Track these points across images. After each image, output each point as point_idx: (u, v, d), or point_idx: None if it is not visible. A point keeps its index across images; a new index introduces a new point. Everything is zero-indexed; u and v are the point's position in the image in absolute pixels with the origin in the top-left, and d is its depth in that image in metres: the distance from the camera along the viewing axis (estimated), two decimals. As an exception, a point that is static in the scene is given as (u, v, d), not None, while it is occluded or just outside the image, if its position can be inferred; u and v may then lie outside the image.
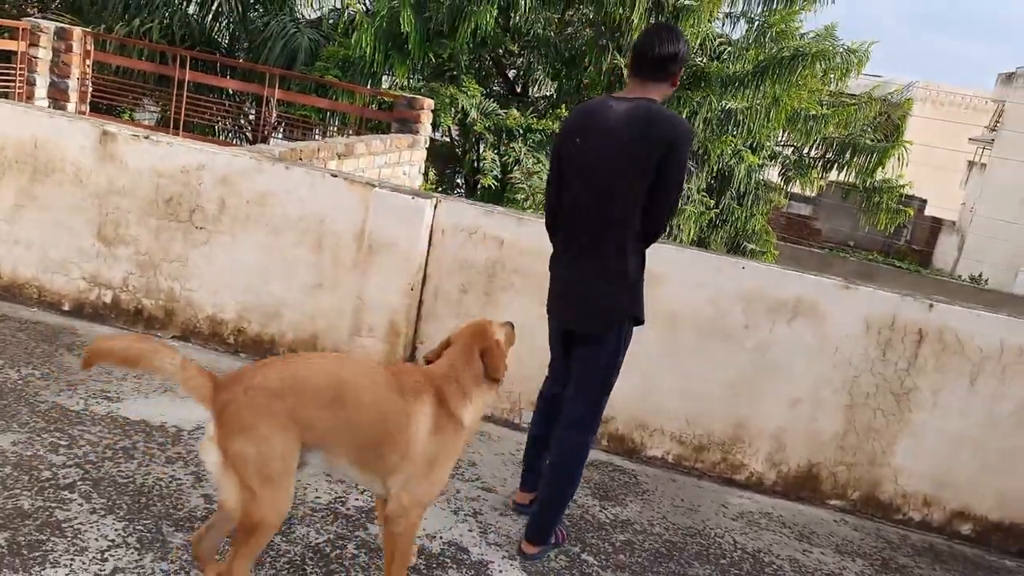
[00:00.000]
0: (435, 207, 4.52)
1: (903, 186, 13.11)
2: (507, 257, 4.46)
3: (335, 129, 10.50)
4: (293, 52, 11.18)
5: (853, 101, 13.15)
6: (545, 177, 11.70)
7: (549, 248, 4.40)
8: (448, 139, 12.62)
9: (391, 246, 4.47)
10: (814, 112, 11.96)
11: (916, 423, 4.07)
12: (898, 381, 4.07)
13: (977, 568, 3.95)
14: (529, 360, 4.53)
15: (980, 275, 25.84)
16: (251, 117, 9.72)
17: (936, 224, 32.01)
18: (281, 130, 11.09)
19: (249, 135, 9.68)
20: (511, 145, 11.48)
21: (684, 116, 11.65)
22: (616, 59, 11.09)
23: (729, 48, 11.83)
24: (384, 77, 11.36)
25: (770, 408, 4.25)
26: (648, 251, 4.07)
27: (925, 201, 32.11)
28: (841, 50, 10.99)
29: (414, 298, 4.55)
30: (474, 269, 4.52)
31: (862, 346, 4.10)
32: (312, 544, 3.24)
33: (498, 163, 11.51)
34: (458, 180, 13.82)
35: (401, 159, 7.62)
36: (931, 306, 4.02)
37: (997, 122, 30.12)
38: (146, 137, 4.62)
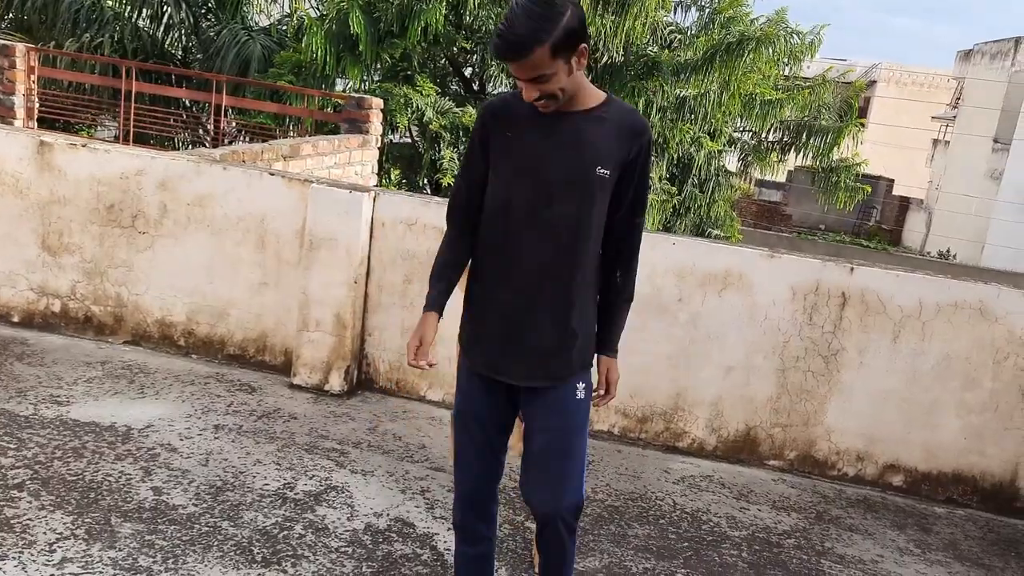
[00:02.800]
0: (374, 200, 4.63)
1: (859, 164, 13.33)
2: (446, 245, 4.57)
3: (294, 135, 10.58)
4: (246, 60, 11.25)
5: (807, 84, 13.35)
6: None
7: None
8: (408, 139, 12.71)
9: (332, 241, 4.57)
10: (769, 97, 12.14)
11: (845, 383, 4.22)
12: (825, 343, 4.22)
13: (908, 516, 4.10)
14: (473, 344, 4.65)
15: (948, 251, 26.24)
16: (209, 127, 9.77)
17: (904, 203, 32.45)
18: (241, 139, 11.16)
19: (208, 145, 9.73)
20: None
21: (639, 106, 11.81)
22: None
23: (679, 36, 12.00)
24: (338, 80, 11.44)
25: (707, 377, 4.39)
26: None
27: (892, 181, 32.53)
28: (785, 34, 11.17)
29: (359, 291, 4.66)
30: (416, 259, 4.63)
31: (790, 312, 4.24)
32: (260, 527, 3.35)
33: (457, 161, 11.61)
34: (421, 180, 13.92)
35: (352, 159, 7.72)
36: (852, 270, 4.18)
37: (958, 99, 30.58)
38: (83, 145, 4.70)
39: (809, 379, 4.27)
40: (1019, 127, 24.08)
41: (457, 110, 11.57)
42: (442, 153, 11.45)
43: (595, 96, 2.35)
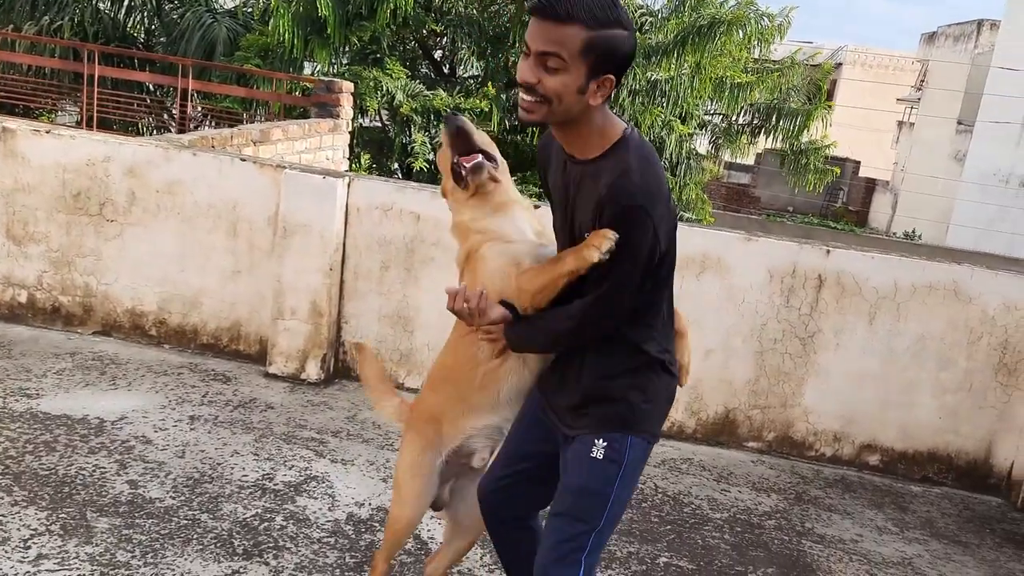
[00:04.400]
0: (348, 186, 4.56)
1: (828, 146, 13.43)
2: (425, 231, 4.53)
3: (262, 119, 10.42)
4: (211, 43, 11.04)
5: (777, 67, 13.40)
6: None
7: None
8: (379, 124, 12.59)
9: (306, 227, 4.50)
10: (739, 80, 12.17)
11: (822, 364, 4.25)
12: (802, 325, 4.24)
13: (885, 495, 4.15)
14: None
15: (913, 231, 26.58)
16: (174, 112, 9.59)
17: (871, 184, 32.80)
18: (208, 124, 10.98)
19: (174, 130, 9.56)
20: (440, 127, 11.49)
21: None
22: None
23: (650, 19, 11.98)
24: (306, 63, 11.28)
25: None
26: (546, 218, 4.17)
27: (859, 162, 32.87)
28: (756, 16, 11.19)
29: (334, 278, 4.59)
30: (393, 246, 4.58)
31: (767, 295, 4.26)
32: (240, 519, 3.30)
33: (429, 145, 11.52)
34: (392, 164, 13.80)
35: (323, 143, 7.62)
36: (828, 252, 4.20)
37: (922, 81, 30.91)
38: (47, 131, 4.58)
39: (787, 361, 4.29)
40: (982, 109, 24.38)
41: (428, 93, 11.46)
42: (413, 137, 11.34)
43: (603, 142, 2.01)
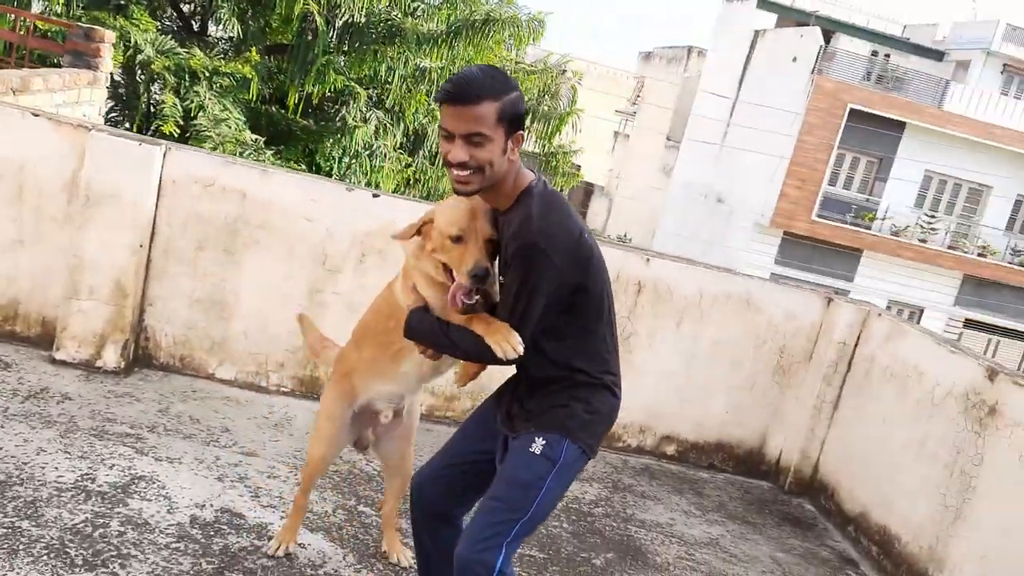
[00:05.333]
0: (164, 155, 4.16)
1: (576, 151, 14.31)
2: (251, 212, 4.26)
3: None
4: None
5: (532, 69, 14.02)
6: (233, 125, 11.10)
7: (300, 203, 4.30)
8: (121, 79, 11.42)
9: (115, 198, 4.05)
10: (501, 77, 12.58)
11: (636, 363, 4.60)
12: (621, 328, 4.56)
13: (683, 481, 4.60)
14: (276, 321, 4.41)
15: (625, 235, 29.09)
16: None
17: (589, 188, 35.34)
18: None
19: None
20: (194, 89, 10.70)
21: (380, 72, 11.67)
22: (308, 4, 10.74)
23: (422, 5, 12.00)
24: (34, 2, 9.97)
25: (510, 356, 4.55)
26: (396, 207, 4.20)
27: (579, 167, 35.31)
28: (526, 18, 11.66)
29: (143, 256, 4.18)
30: (213, 224, 4.25)
31: (591, 296, 4.52)
32: (68, 526, 2.94)
33: (179, 108, 10.67)
34: (126, 126, 12.60)
35: (81, 97, 6.79)
36: (648, 260, 4.55)
37: (638, 96, 33.82)
38: None
39: (604, 359, 4.59)
40: (688, 128, 27.23)
41: (182, 51, 10.62)
42: (163, 98, 10.44)
43: (514, 193, 2.26)
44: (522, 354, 2.19)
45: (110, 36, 7.53)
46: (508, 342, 2.18)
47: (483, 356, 2.25)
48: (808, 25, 23.69)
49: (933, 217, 22.87)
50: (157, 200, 4.17)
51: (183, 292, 4.33)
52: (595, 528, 3.83)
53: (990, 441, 3.52)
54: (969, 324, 22.38)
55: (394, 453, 3.02)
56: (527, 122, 14.09)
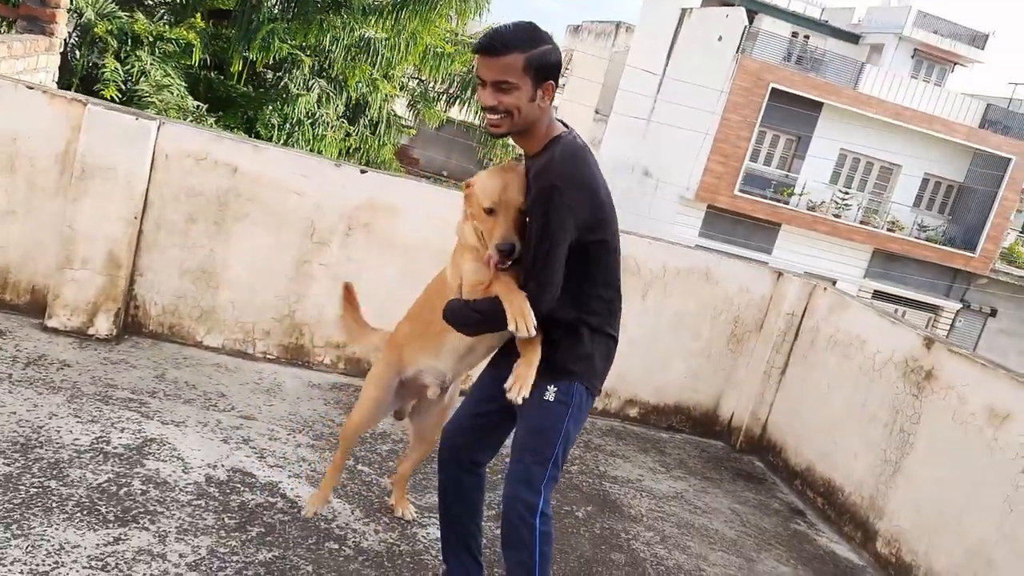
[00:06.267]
0: (158, 129, 4.26)
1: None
2: (241, 186, 4.40)
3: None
4: None
5: (474, 41, 14.13)
6: (176, 91, 10.96)
7: (290, 177, 4.46)
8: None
9: (110, 171, 4.14)
10: (445, 50, 12.69)
11: (604, 332, 4.92)
12: (591, 298, 4.88)
13: (646, 442, 4.98)
14: (264, 291, 4.57)
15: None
16: None
17: (518, 159, 35.54)
18: None
19: None
20: (136, 54, 10.52)
21: (326, 43, 11.64)
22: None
23: (367, -24, 11.96)
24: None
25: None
26: (385, 183, 4.36)
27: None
28: (473, -8, 11.78)
29: (136, 227, 4.28)
30: (203, 197, 4.38)
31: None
32: (94, 485, 3.10)
33: (121, 73, 10.48)
34: (73, 91, 12.24)
35: (38, 64, 6.69)
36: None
37: (567, 69, 34.12)
38: None
39: (575, 329, 4.90)
40: (616, 102, 27.72)
41: (123, 15, 10.40)
42: (105, 62, 10.23)
43: (545, 140, 2.48)
44: (535, 334, 2.39)
45: (65, 1, 7.39)
46: (524, 320, 2.38)
47: (500, 323, 2.43)
48: (733, 5, 24.34)
49: (847, 193, 24.00)
50: (150, 173, 4.27)
51: (173, 263, 4.45)
52: (573, 484, 4.16)
53: (926, 402, 3.98)
54: (877, 295, 23.62)
55: (428, 428, 3.17)
56: (467, 94, 14.27)
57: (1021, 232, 31.01)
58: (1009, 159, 23.37)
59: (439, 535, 3.04)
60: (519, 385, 2.47)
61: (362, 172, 4.57)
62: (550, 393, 2.54)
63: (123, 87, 10.44)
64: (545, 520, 2.53)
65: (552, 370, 2.55)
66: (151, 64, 10.68)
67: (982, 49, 25.87)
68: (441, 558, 3.03)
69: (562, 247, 2.41)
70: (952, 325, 24.31)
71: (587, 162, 2.49)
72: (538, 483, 2.53)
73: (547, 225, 2.38)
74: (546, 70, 2.40)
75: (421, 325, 2.91)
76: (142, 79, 10.61)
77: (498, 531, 3.45)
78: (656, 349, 5.06)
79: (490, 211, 2.50)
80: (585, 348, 2.59)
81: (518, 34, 2.38)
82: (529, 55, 2.36)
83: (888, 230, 23.87)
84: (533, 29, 2.41)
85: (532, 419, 2.56)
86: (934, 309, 24.33)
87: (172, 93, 10.75)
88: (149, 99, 10.30)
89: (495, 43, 2.36)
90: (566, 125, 2.58)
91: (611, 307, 2.66)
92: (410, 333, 2.98)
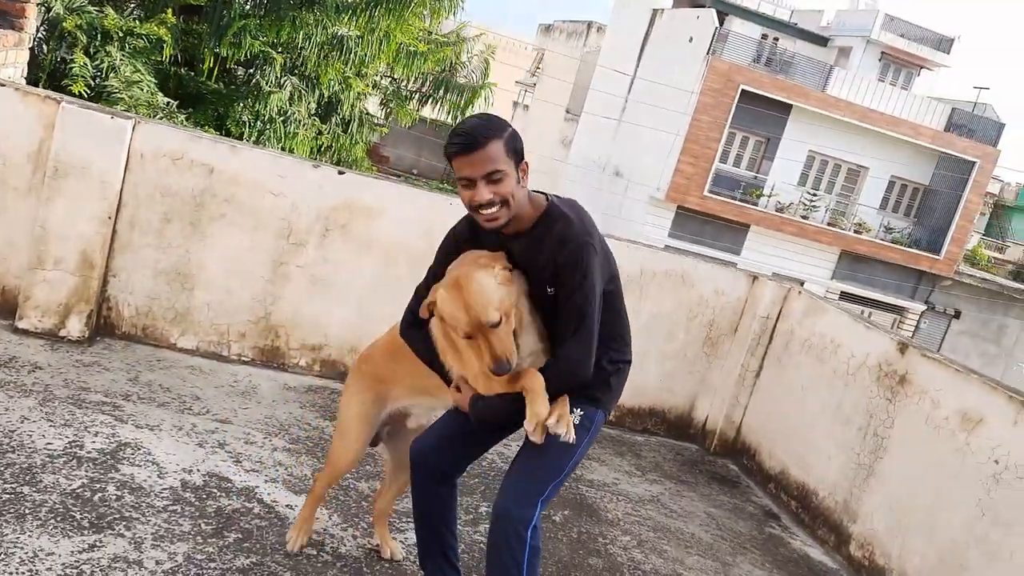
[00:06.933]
0: (133, 129, 4.20)
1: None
2: (218, 186, 4.35)
3: None
4: None
5: (446, 40, 14.10)
6: (146, 88, 10.82)
7: (267, 178, 4.42)
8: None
9: (84, 170, 4.08)
10: (418, 48, 12.65)
11: (581, 335, 4.93)
12: (568, 301, 4.89)
13: (622, 445, 5.00)
14: (239, 292, 4.53)
15: (524, 203, 29.50)
16: None
17: (487, 157, 35.52)
18: None
19: None
20: (106, 49, 10.37)
21: (299, 40, 11.55)
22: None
23: (340, -27, 11.88)
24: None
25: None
26: (363, 184, 4.36)
27: (478, 134, 35.42)
28: (448, -10, 11.75)
29: (110, 228, 4.22)
30: (179, 197, 4.33)
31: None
32: (67, 491, 3.05)
33: (90, 68, 10.32)
34: (40, 86, 12.03)
35: (7, 59, 6.57)
36: (595, 239, 4.88)
37: (538, 68, 34.17)
38: None
39: (552, 331, 4.91)
40: (587, 102, 27.81)
41: (92, 9, 10.23)
42: (74, 57, 10.06)
43: (534, 214, 2.45)
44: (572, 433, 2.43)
45: (33, -7, 7.26)
46: (539, 430, 2.40)
47: (521, 415, 2.45)
48: (704, 7, 24.52)
49: (814, 195, 24.28)
50: (125, 173, 4.21)
51: (147, 264, 4.39)
52: (553, 487, 4.17)
53: (900, 406, 4.04)
54: (844, 296, 23.93)
55: (406, 453, 2.96)
56: (440, 92, 14.25)
57: (984, 235, 31.65)
58: (973, 162, 23.78)
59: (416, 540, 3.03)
60: (564, 424, 2.44)
61: (340, 173, 4.54)
62: (576, 416, 2.54)
63: (92, 83, 10.29)
64: (535, 534, 2.53)
65: (581, 396, 2.57)
66: (121, 60, 10.54)
67: (948, 53, 26.29)
68: (418, 564, 3.02)
69: (599, 301, 2.45)
70: (917, 326, 24.70)
71: (589, 214, 2.53)
72: (538, 496, 2.53)
73: (591, 287, 2.40)
74: (519, 151, 2.40)
75: (413, 365, 2.74)
76: (112, 75, 10.47)
77: (475, 536, 3.49)
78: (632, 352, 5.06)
79: (468, 336, 2.41)
80: (609, 377, 2.64)
81: (489, 123, 2.37)
82: (505, 139, 2.36)
83: (855, 232, 24.18)
84: (494, 117, 2.43)
85: (552, 439, 2.50)
86: (899, 310, 24.70)
87: (142, 89, 10.61)
88: (119, 95, 10.16)
89: (475, 137, 2.32)
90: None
91: (626, 338, 2.71)
92: (401, 371, 2.83)
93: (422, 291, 2.65)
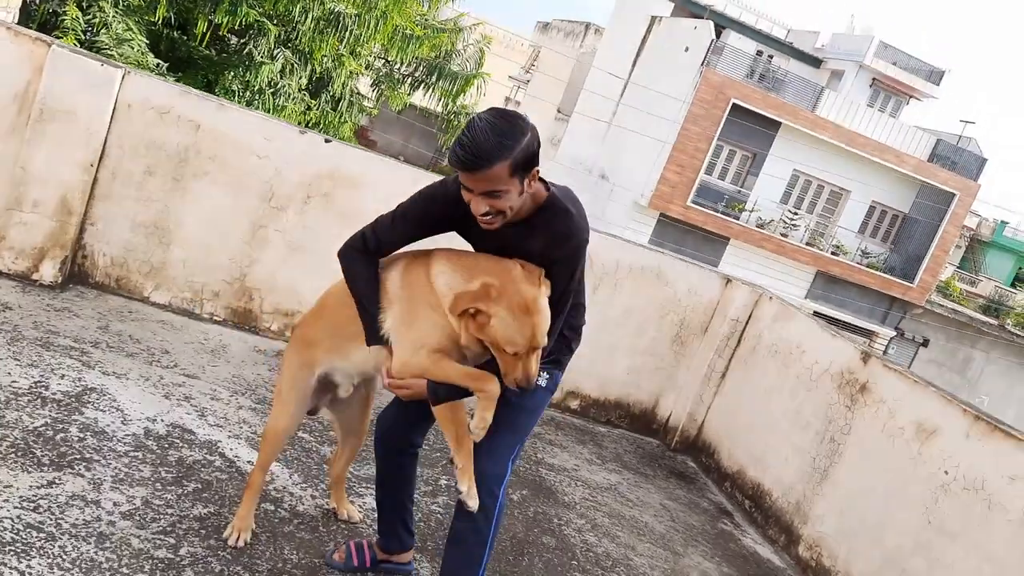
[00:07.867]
0: (122, 78, 4.19)
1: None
2: (203, 143, 4.35)
3: None
4: None
5: (443, 27, 14.10)
6: (136, 47, 10.76)
7: (253, 140, 4.43)
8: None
9: (70, 115, 4.07)
10: (414, 32, 12.64)
11: (553, 322, 4.98)
12: (543, 288, 4.93)
13: (585, 434, 5.06)
14: (217, 252, 4.53)
15: (509, 198, 29.48)
16: None
17: (476, 149, 35.46)
18: None
19: None
20: (100, 4, 10.30)
21: (295, 14, 11.51)
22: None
23: (342, -50, 11.86)
24: None
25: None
26: (348, 155, 4.45)
27: (468, 126, 35.37)
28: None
29: (92, 175, 4.21)
30: (163, 151, 4.32)
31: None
32: (30, 428, 3.06)
33: (82, 22, 10.26)
34: None
35: (-1, 3, 6.54)
36: (574, 228, 4.93)
37: (533, 65, 34.19)
38: None
39: (525, 316, 4.95)
40: (579, 103, 27.84)
41: (89, -37, 10.17)
42: (66, 10, 9.99)
43: (534, 205, 2.40)
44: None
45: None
46: (482, 430, 2.42)
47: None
48: (702, 18, 24.66)
49: (795, 214, 24.52)
50: (111, 122, 4.20)
51: (126, 215, 4.38)
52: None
53: (859, 414, 4.13)
54: (816, 316, 24.18)
55: (354, 419, 3.03)
56: (433, 79, 14.23)
57: (958, 268, 32.09)
58: (953, 194, 24.13)
59: (375, 504, 3.06)
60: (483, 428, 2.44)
61: (326, 141, 4.55)
62: (542, 379, 2.59)
63: (82, 37, 10.22)
64: (504, 492, 2.59)
65: (547, 360, 2.61)
66: (113, 16, 10.49)
67: (938, 85, 26.64)
68: (376, 528, 3.05)
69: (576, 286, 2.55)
70: (885, 351, 25.01)
71: (582, 205, 2.56)
72: (509, 455, 2.60)
73: (576, 271, 2.48)
74: (529, 161, 2.24)
75: (331, 325, 2.75)
76: (103, 31, 10.41)
77: (432, 507, 3.53)
78: (601, 343, 5.13)
79: (514, 354, 2.33)
80: (571, 342, 2.75)
81: (497, 140, 2.17)
82: (512, 160, 2.19)
83: (832, 253, 24.45)
84: (509, 125, 2.21)
85: (520, 400, 2.52)
86: (869, 334, 25.00)
87: (133, 48, 10.56)
88: (109, 51, 10.11)
89: (477, 160, 2.18)
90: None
91: (584, 304, 2.77)
92: (322, 332, 2.78)
93: (385, 227, 2.58)
